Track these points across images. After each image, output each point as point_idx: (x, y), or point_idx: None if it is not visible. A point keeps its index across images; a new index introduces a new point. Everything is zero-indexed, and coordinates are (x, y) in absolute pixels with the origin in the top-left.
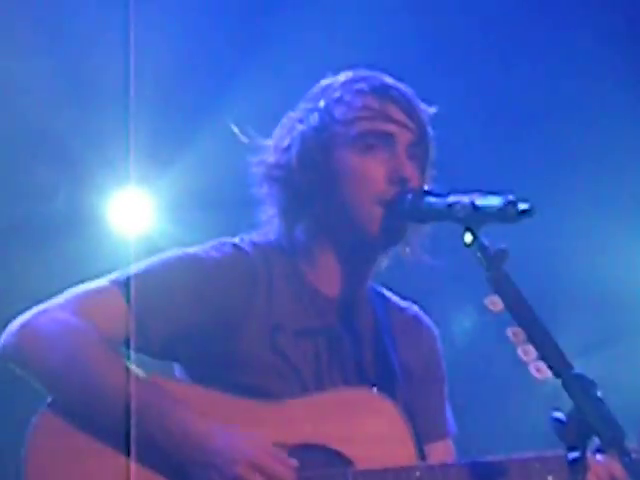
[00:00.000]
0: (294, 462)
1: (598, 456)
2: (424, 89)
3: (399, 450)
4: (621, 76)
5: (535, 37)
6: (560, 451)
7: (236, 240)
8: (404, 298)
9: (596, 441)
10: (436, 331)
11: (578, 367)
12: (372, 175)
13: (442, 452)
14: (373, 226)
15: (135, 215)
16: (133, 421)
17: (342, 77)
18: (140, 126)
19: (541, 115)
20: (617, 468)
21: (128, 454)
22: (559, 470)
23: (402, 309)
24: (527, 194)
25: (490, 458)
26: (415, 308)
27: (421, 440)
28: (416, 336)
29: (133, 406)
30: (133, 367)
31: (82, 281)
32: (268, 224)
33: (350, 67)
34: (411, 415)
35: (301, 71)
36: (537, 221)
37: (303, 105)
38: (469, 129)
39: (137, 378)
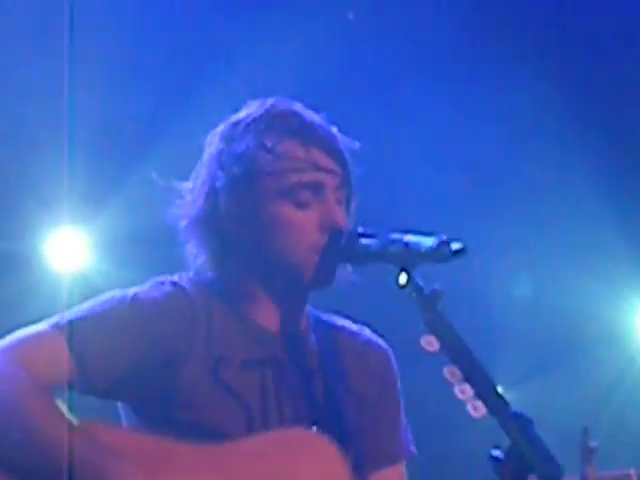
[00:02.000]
0: None
1: None
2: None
3: None
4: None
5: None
6: None
7: (175, 278)
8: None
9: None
10: (390, 354)
11: (518, 394)
12: (306, 226)
13: (390, 478)
14: (308, 273)
15: (71, 254)
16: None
17: (255, 111)
18: (75, 167)
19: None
20: None
21: None
22: None
23: (353, 334)
24: (459, 226)
25: None
26: (367, 332)
27: (364, 472)
28: (367, 361)
29: (69, 461)
30: (69, 416)
31: (19, 321)
32: (199, 265)
33: (261, 94)
34: (359, 444)
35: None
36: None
37: (216, 145)
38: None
39: (74, 431)
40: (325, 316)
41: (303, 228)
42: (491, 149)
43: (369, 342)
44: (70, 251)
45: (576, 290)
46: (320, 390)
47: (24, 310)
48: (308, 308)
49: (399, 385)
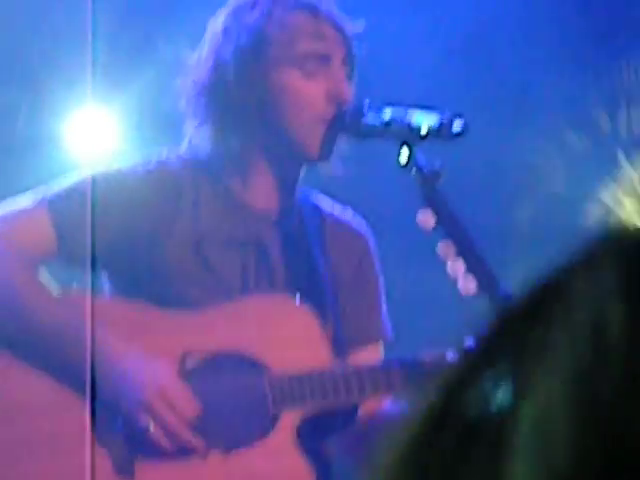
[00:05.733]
0: (194, 398)
1: None
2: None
3: (315, 353)
4: None
5: None
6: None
7: (163, 156)
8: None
9: None
10: (369, 236)
11: None
12: (312, 96)
13: (368, 356)
14: (312, 144)
15: (94, 134)
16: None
17: None
18: (99, 43)
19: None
20: None
21: (53, 374)
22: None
23: (334, 217)
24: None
25: (403, 357)
26: (349, 213)
27: (343, 344)
28: (347, 243)
29: (51, 326)
30: (53, 286)
31: None
32: (194, 138)
33: None
34: (337, 321)
35: None
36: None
37: (227, 19)
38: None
39: (55, 299)
40: (310, 193)
41: (309, 97)
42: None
43: (349, 224)
44: (93, 130)
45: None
46: (301, 269)
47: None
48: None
49: (378, 268)
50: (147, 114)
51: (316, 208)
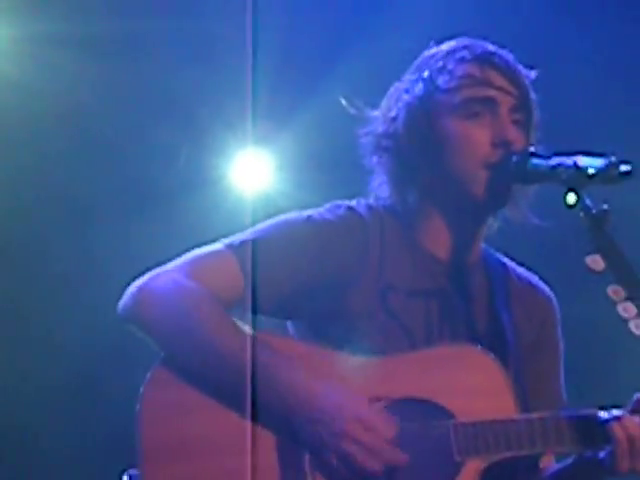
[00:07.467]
0: (394, 418)
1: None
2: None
3: (499, 403)
4: None
5: None
6: None
7: (352, 203)
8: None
9: None
10: (554, 302)
11: None
12: (476, 140)
13: None
14: (479, 190)
15: (255, 176)
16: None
17: (445, 47)
18: (260, 87)
19: None
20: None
21: (239, 410)
22: None
23: (520, 277)
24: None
25: (587, 411)
26: (534, 278)
27: (525, 395)
28: (531, 305)
29: (242, 363)
30: (243, 325)
31: (203, 240)
32: (380, 191)
33: (454, 36)
34: (519, 379)
35: (413, 41)
36: None
37: (408, 76)
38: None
39: (246, 336)
40: (498, 256)
41: (473, 140)
42: None
43: (535, 286)
44: (253, 172)
45: None
46: (484, 321)
47: (208, 230)
48: (483, 245)
49: (560, 334)
50: (307, 157)
51: (503, 265)
